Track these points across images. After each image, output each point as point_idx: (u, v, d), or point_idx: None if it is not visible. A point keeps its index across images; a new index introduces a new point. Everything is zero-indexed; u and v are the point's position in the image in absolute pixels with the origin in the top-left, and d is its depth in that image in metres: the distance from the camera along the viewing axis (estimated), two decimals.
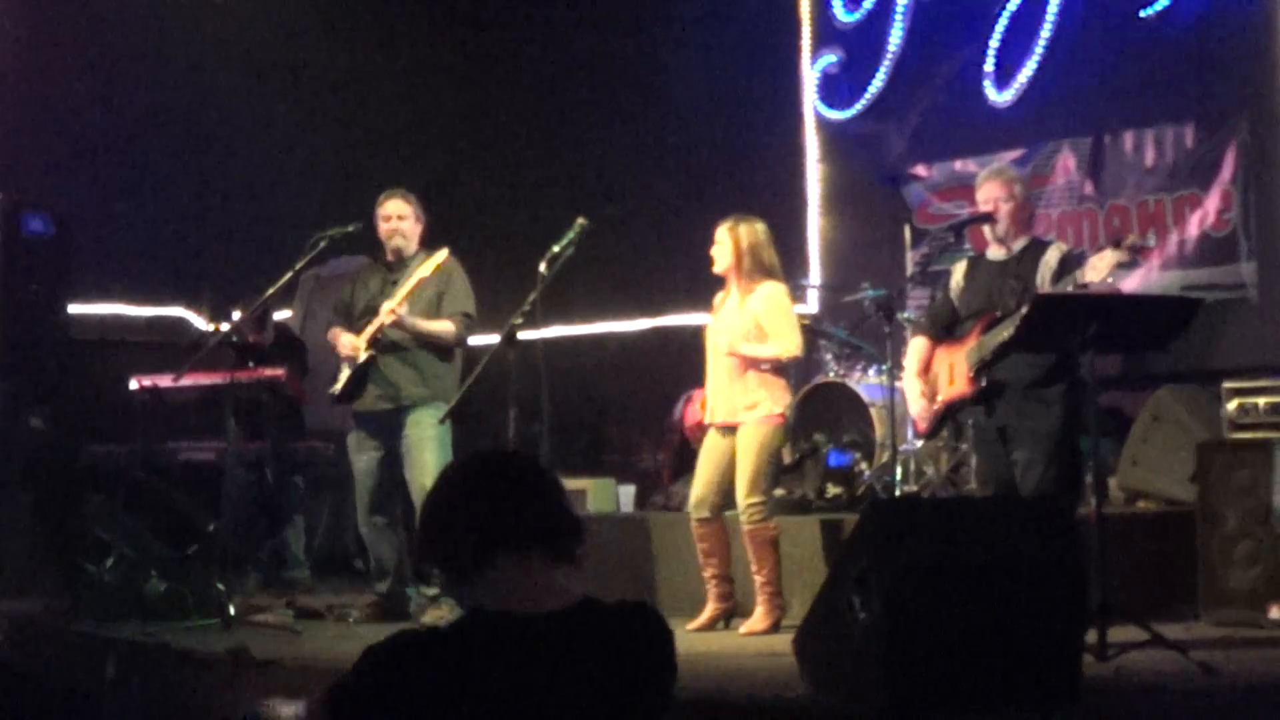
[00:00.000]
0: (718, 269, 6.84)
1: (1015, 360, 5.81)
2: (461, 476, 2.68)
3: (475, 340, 7.35)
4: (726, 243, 6.78)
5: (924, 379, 6.19)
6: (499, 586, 2.57)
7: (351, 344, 7.17)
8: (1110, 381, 7.45)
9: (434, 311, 7.15)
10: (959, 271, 6.27)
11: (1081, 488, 6.06)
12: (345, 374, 7.19)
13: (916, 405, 6.23)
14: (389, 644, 2.50)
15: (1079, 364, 5.72)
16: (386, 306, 7.02)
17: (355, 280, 7.46)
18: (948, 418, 6.24)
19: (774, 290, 6.78)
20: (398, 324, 7.03)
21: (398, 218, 7.25)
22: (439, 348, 7.16)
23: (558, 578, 2.60)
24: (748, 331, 6.70)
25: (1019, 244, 6.08)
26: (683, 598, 7.11)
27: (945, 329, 6.21)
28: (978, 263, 6.23)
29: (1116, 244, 5.62)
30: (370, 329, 7.11)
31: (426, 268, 7.09)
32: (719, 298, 6.94)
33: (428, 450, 7.06)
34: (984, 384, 5.92)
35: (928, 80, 9.60)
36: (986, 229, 6.14)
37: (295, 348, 9.23)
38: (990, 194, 6.09)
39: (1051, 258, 5.98)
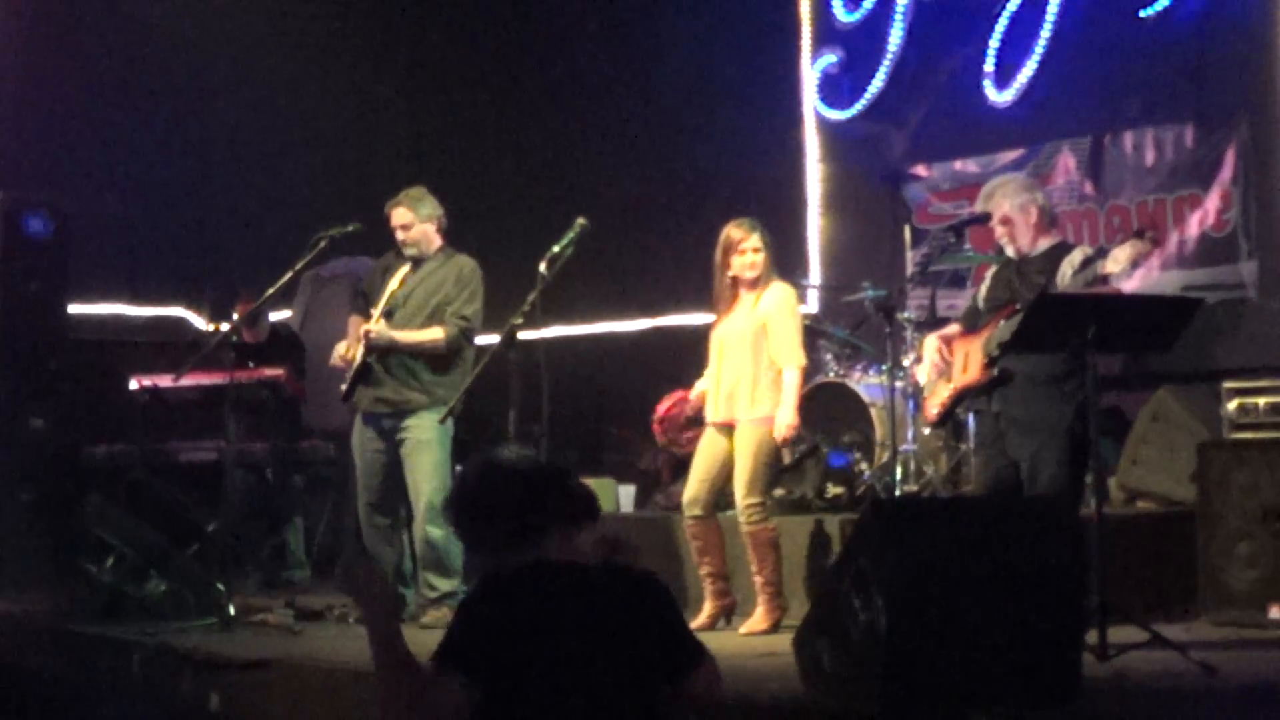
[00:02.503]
0: (753, 276, 6.75)
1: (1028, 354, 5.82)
2: (509, 477, 3.45)
3: (475, 340, 7.33)
4: (763, 249, 6.74)
5: (945, 345, 6.22)
6: (546, 553, 3.34)
7: (338, 354, 7.17)
8: (1110, 381, 7.46)
9: (429, 317, 7.11)
10: (989, 274, 6.32)
11: (1082, 487, 6.07)
12: (351, 373, 7.20)
13: (931, 359, 6.24)
14: (478, 591, 3.31)
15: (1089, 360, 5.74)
16: (362, 329, 7.04)
17: (378, 270, 7.41)
18: (959, 405, 6.26)
19: (787, 294, 6.78)
20: (377, 343, 7.02)
21: (402, 228, 7.21)
22: (434, 355, 7.13)
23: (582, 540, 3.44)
24: (756, 330, 6.69)
25: (1043, 245, 6.10)
26: (688, 598, 7.13)
27: (971, 329, 6.26)
28: (1006, 264, 6.26)
29: (1139, 234, 5.63)
30: (373, 323, 7.11)
31: (435, 260, 7.11)
32: (722, 301, 6.87)
33: (425, 454, 7.05)
34: (995, 373, 5.93)
35: (928, 80, 9.59)
36: (1006, 240, 6.16)
37: (294, 347, 9.23)
38: (998, 218, 6.12)
39: (1075, 257, 6.00)
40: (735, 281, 6.78)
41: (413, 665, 3.21)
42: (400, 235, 7.20)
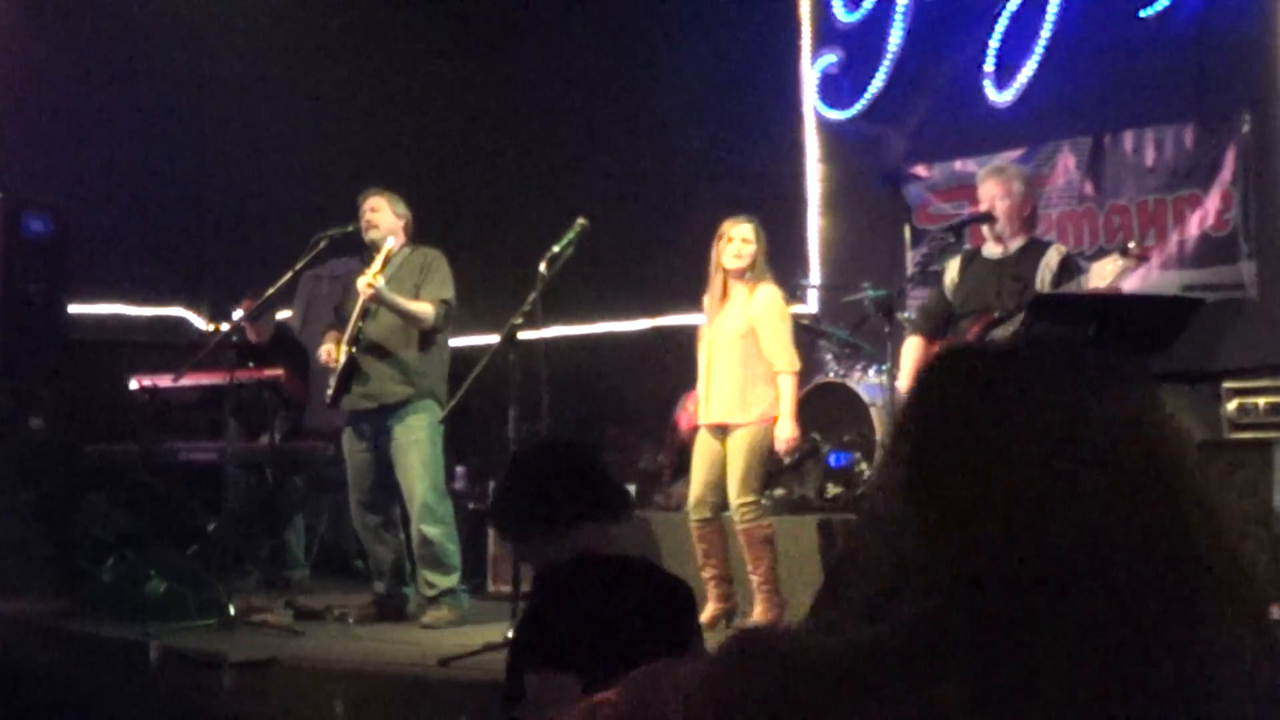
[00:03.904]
0: (740, 266, 6.76)
1: None
2: (552, 463, 3.50)
3: (475, 340, 7.34)
4: (754, 242, 6.75)
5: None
6: (581, 543, 3.40)
7: (325, 351, 7.22)
8: None
9: (412, 299, 7.16)
10: (953, 268, 6.28)
11: None
12: (334, 377, 7.21)
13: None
14: (541, 590, 3.43)
15: None
16: (363, 281, 7.03)
17: (347, 284, 7.47)
18: None
19: (774, 295, 6.77)
20: (376, 298, 7.01)
21: (370, 210, 7.33)
22: (418, 342, 7.14)
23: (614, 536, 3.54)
24: (745, 332, 6.70)
25: (1017, 243, 6.09)
26: None
27: (940, 325, 6.22)
28: (973, 259, 6.24)
29: (1124, 251, 5.61)
30: (351, 323, 7.12)
31: (401, 254, 7.15)
32: (711, 298, 6.89)
33: (415, 453, 7.06)
34: None
35: (928, 80, 9.59)
36: (985, 226, 6.16)
37: (295, 347, 9.23)
38: (988, 192, 6.11)
39: (1052, 259, 5.99)
40: (726, 275, 6.79)
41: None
42: (367, 217, 7.30)
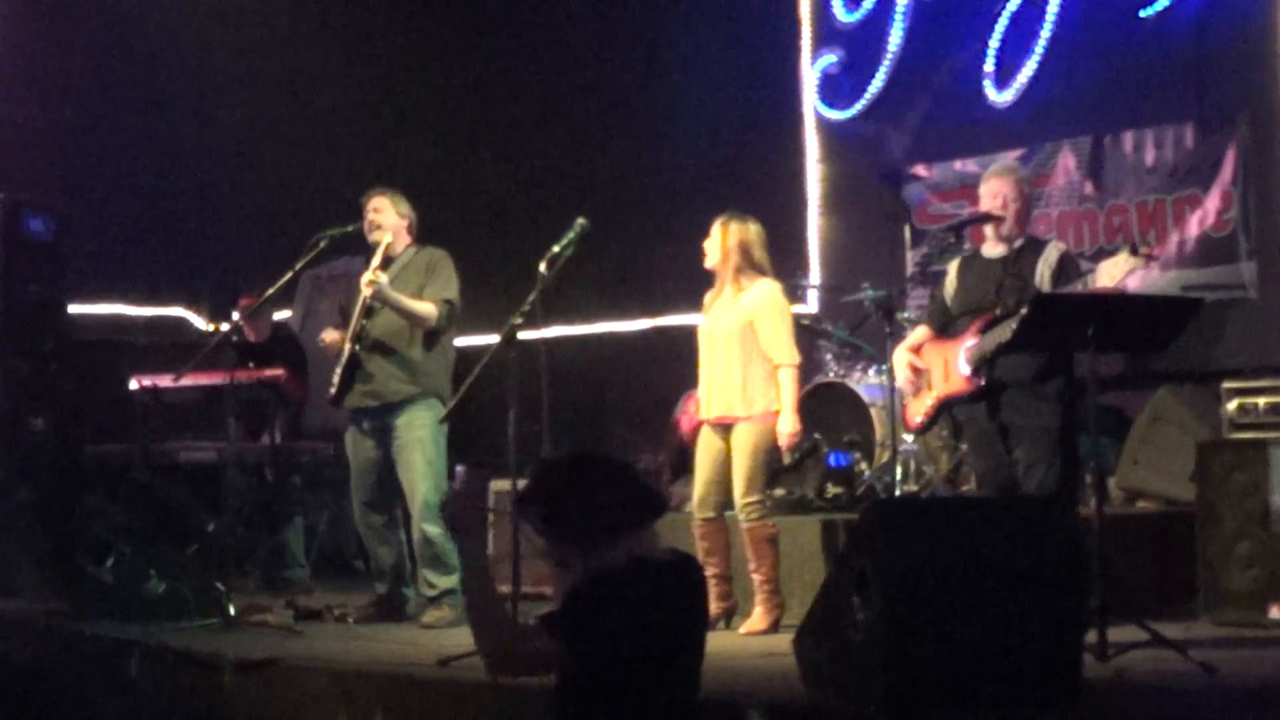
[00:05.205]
0: (707, 264, 6.86)
1: (1013, 358, 5.81)
2: (589, 475, 3.66)
3: (475, 340, 7.34)
4: (716, 238, 6.80)
5: (915, 355, 6.22)
6: (629, 548, 3.58)
7: (330, 334, 7.20)
8: (1110, 381, 7.46)
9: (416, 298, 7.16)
10: (953, 270, 6.28)
11: (1081, 487, 6.04)
12: (337, 374, 7.20)
13: (903, 375, 6.26)
14: (593, 588, 3.55)
15: (1075, 360, 5.73)
16: (365, 277, 7.03)
17: (352, 283, 7.47)
18: (942, 414, 6.24)
19: (770, 290, 6.77)
20: (378, 295, 7.01)
21: (374, 210, 7.31)
22: (422, 340, 7.14)
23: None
24: (741, 328, 6.71)
25: (1020, 240, 6.09)
26: None
27: (940, 329, 6.23)
28: (972, 261, 6.23)
29: (1134, 250, 5.61)
30: (354, 319, 7.12)
31: (407, 254, 7.15)
32: (709, 295, 6.94)
33: (418, 452, 7.05)
34: (983, 382, 5.92)
35: (928, 80, 9.60)
36: (988, 226, 6.15)
37: (294, 347, 9.23)
38: (999, 190, 6.08)
39: (1051, 255, 5.99)
40: (719, 272, 6.86)
41: (498, 604, 3.49)
42: (371, 217, 7.29)
